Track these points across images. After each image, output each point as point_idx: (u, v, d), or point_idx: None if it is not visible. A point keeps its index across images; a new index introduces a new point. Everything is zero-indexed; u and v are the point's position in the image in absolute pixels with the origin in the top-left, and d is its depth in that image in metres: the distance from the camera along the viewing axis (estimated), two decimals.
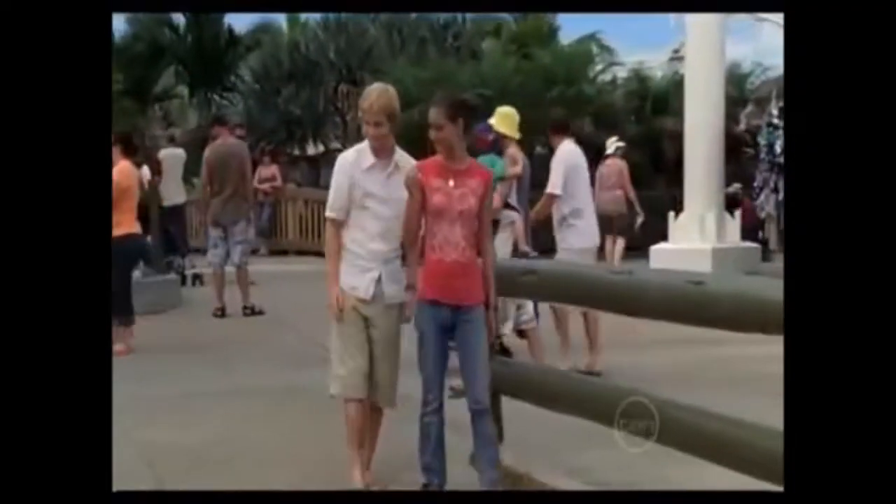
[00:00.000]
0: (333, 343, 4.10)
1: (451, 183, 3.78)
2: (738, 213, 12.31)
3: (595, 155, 15.60)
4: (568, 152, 6.56)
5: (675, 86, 15.48)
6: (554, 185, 6.43)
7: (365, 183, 3.97)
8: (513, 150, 6.33)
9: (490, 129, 6.27)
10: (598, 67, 19.13)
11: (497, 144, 6.24)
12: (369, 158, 4.01)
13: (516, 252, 5.98)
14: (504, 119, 6.33)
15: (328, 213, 4.07)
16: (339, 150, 13.39)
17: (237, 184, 9.31)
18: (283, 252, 15.44)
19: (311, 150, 20.94)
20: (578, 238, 6.46)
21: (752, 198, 13.14)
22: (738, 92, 16.59)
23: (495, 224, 6.08)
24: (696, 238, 12.05)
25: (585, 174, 6.71)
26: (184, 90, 21.79)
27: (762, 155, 12.59)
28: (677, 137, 12.94)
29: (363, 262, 4.01)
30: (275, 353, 7.49)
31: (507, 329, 6.04)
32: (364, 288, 4.01)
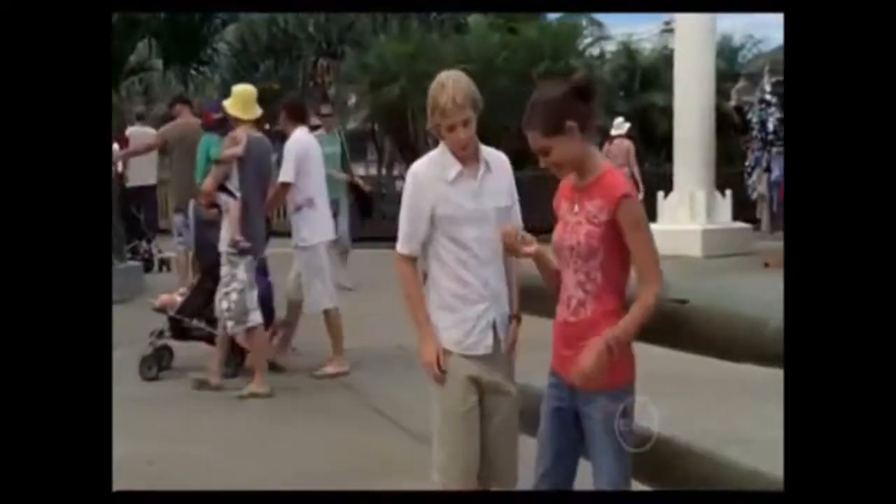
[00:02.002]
0: (435, 415, 3.09)
1: (576, 207, 2.66)
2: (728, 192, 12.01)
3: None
4: (300, 140, 6.25)
5: (665, 60, 15.11)
6: (286, 173, 6.12)
7: (454, 199, 2.98)
8: (238, 132, 5.87)
9: (220, 107, 5.94)
10: (587, 41, 18.72)
11: (224, 123, 5.91)
12: (454, 167, 2.99)
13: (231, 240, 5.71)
14: (236, 100, 5.95)
15: (401, 250, 3.06)
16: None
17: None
18: None
19: None
20: (312, 231, 6.21)
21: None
22: (729, 66, 16.22)
23: (216, 208, 5.70)
24: (686, 218, 11.72)
25: (320, 164, 6.42)
26: (158, 64, 21.19)
27: (754, 133, 12.22)
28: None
29: (469, 305, 2.99)
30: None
31: (256, 320, 5.75)
32: (477, 340, 2.98)
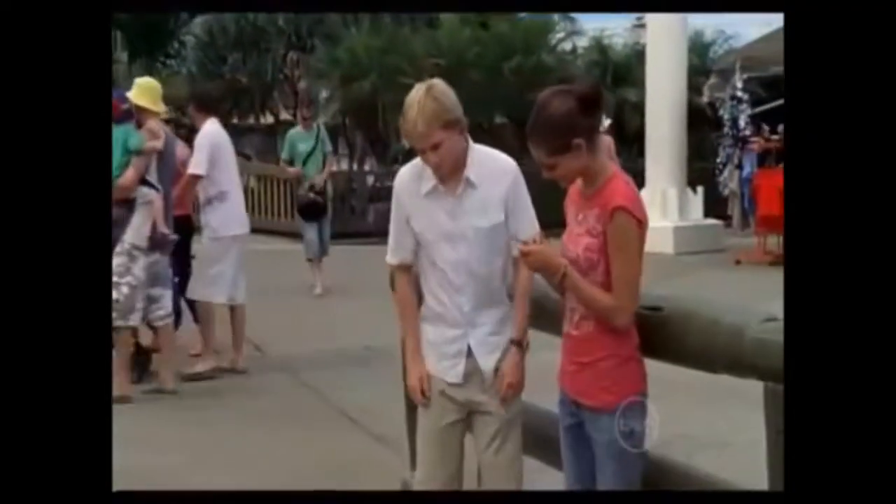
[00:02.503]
0: (418, 436, 3.00)
1: (580, 216, 2.52)
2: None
3: None
4: (211, 132, 6.21)
5: (637, 56, 15.09)
6: (197, 165, 6.04)
7: (428, 215, 2.80)
8: (153, 124, 5.88)
9: (125, 98, 5.89)
10: (559, 36, 18.65)
11: (132, 115, 5.84)
12: (428, 181, 2.80)
13: (155, 234, 5.60)
14: (143, 92, 5.93)
15: (389, 259, 2.94)
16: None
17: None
18: None
19: (262, 120, 20.24)
20: (223, 224, 6.13)
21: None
22: (701, 62, 16.22)
23: (131, 204, 5.52)
24: (658, 215, 11.68)
25: (232, 156, 6.38)
26: (124, 56, 20.83)
27: (725, 129, 12.21)
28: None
29: (445, 326, 2.84)
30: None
31: (136, 320, 5.58)
32: (449, 365, 2.83)
